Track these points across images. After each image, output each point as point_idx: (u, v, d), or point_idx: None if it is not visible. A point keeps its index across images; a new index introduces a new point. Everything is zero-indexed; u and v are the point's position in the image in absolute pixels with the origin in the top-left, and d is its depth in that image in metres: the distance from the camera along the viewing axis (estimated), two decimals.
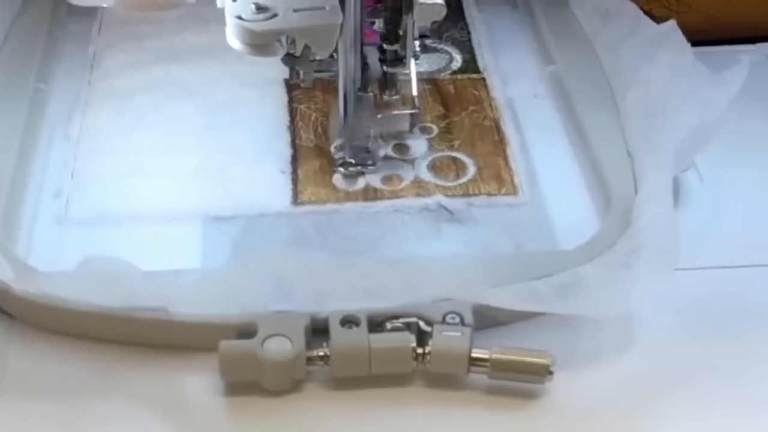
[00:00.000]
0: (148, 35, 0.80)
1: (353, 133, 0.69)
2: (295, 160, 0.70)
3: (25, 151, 0.69)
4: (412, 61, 0.68)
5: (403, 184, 0.68)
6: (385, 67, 0.69)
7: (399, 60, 0.68)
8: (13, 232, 0.64)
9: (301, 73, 0.68)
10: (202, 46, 0.79)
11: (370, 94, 0.68)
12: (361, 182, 0.69)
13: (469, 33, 0.82)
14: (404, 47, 0.68)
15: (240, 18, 0.59)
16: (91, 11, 0.82)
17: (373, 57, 0.69)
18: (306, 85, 0.70)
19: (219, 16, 0.79)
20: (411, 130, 0.72)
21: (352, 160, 0.69)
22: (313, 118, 0.73)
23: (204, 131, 0.72)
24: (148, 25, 0.81)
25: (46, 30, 0.80)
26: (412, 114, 0.71)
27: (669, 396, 0.57)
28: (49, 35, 0.80)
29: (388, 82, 0.69)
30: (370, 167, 0.69)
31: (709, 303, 0.62)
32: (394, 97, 0.70)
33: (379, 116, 0.69)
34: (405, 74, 0.69)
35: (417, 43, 0.68)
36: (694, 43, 0.72)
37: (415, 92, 0.68)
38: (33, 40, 0.78)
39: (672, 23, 0.73)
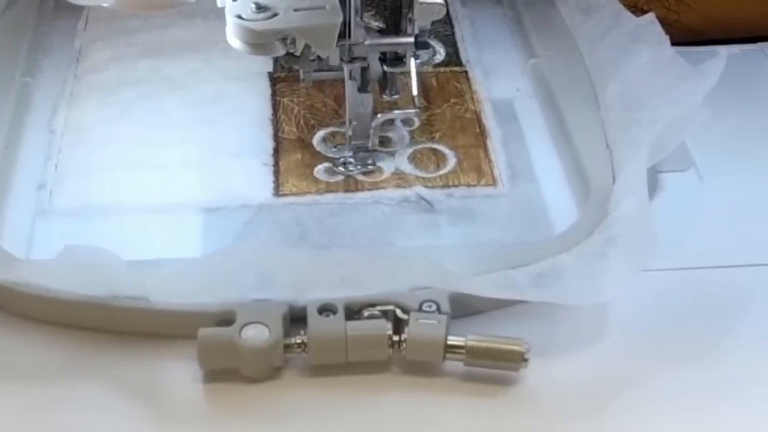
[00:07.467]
0: (134, 30, 0.81)
1: (353, 133, 0.69)
2: (277, 152, 0.71)
3: (10, 144, 0.70)
4: (412, 60, 0.68)
5: (384, 175, 0.69)
6: (385, 67, 0.68)
7: (399, 59, 0.68)
8: None
9: (302, 72, 0.68)
10: (188, 40, 0.80)
11: (370, 93, 0.68)
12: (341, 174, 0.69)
13: (452, 27, 0.83)
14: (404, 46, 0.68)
15: (240, 17, 0.59)
16: (78, 7, 0.82)
17: (373, 56, 0.69)
18: (306, 84, 0.70)
19: (205, 12, 0.80)
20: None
21: (353, 160, 0.70)
22: (295, 111, 0.74)
23: (188, 124, 0.73)
24: (134, 19, 0.81)
25: (33, 24, 0.80)
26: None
27: (640, 383, 0.58)
28: (36, 30, 0.80)
29: (388, 82, 0.69)
30: (370, 167, 0.69)
31: (679, 297, 0.62)
32: (394, 97, 0.70)
33: (379, 116, 0.69)
34: (405, 73, 0.69)
35: None
36: (694, 43, 0.72)
37: (415, 92, 0.68)
38: (20, 34, 0.79)
39: (651, 16, 0.74)
